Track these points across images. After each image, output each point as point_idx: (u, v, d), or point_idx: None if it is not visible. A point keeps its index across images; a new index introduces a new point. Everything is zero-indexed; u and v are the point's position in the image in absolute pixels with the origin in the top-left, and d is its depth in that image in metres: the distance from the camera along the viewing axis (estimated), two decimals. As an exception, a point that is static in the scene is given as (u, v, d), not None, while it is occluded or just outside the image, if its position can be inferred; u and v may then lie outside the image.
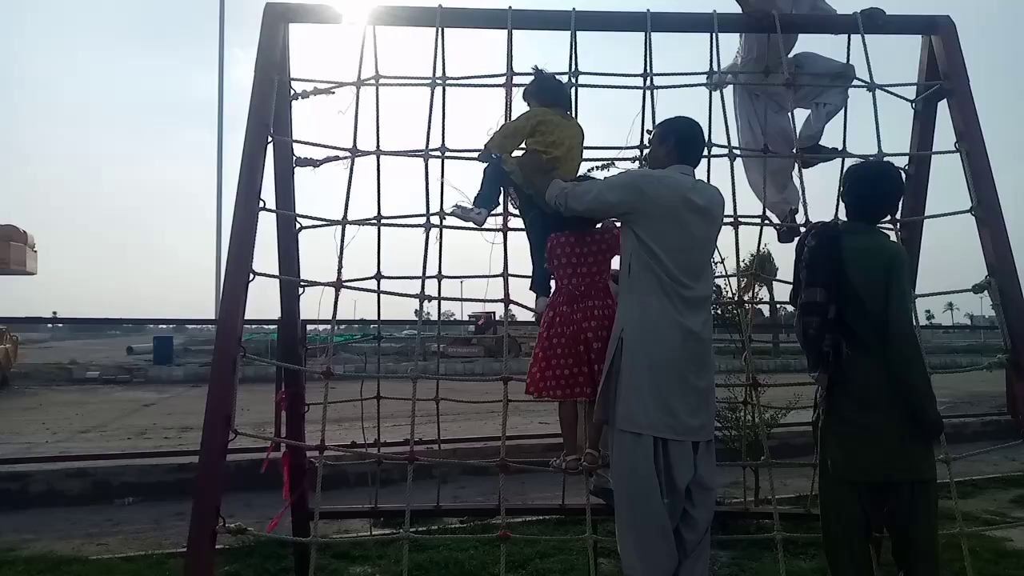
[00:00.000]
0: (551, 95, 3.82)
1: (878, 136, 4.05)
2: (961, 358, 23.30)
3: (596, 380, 3.26)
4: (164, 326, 31.68)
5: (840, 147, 4.23)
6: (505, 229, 3.92)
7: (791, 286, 3.43)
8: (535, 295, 3.78)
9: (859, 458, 3.15)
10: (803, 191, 4.22)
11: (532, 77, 3.95)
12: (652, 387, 2.99)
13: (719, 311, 6.71)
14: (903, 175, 3.50)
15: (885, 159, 3.94)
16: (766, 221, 4.25)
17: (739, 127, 4.53)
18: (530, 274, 3.84)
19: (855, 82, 4.27)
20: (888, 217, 3.58)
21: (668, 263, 3.03)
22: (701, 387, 3.09)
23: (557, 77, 3.95)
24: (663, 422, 2.97)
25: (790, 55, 4.38)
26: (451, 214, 3.81)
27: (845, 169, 3.71)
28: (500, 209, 3.90)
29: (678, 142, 3.27)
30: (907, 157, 4.35)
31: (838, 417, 3.20)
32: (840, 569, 3.21)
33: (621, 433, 3.03)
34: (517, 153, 3.73)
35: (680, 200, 3.07)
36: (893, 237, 3.82)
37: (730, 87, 4.48)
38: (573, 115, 3.94)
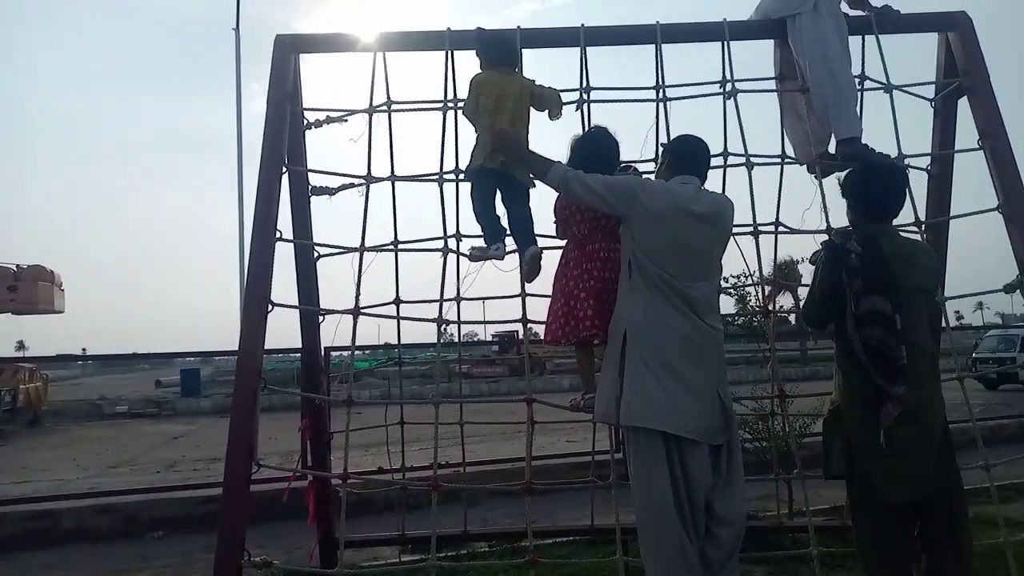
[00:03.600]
0: (492, 54, 3.83)
1: (897, 138, 4.00)
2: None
3: (605, 317, 3.24)
4: (191, 358, 31.96)
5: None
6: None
7: (819, 295, 3.21)
8: (487, 245, 3.73)
9: (909, 475, 2.99)
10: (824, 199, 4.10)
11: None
12: (658, 383, 2.96)
13: (738, 322, 6.68)
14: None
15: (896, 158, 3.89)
16: (782, 228, 4.17)
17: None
18: (522, 268, 3.78)
19: (871, 84, 4.20)
20: (897, 215, 3.42)
21: (666, 265, 3.03)
22: (710, 383, 3.04)
23: (500, 32, 3.89)
24: (672, 418, 2.93)
25: None
26: (471, 258, 3.81)
27: (853, 170, 3.54)
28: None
29: (673, 159, 3.31)
30: (929, 158, 4.27)
31: (888, 433, 2.97)
32: None
33: (633, 431, 3.00)
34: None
35: (673, 207, 3.07)
36: (918, 238, 3.75)
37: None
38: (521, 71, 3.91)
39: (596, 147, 3.57)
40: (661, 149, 3.44)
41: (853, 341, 3.05)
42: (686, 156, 3.31)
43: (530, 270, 3.66)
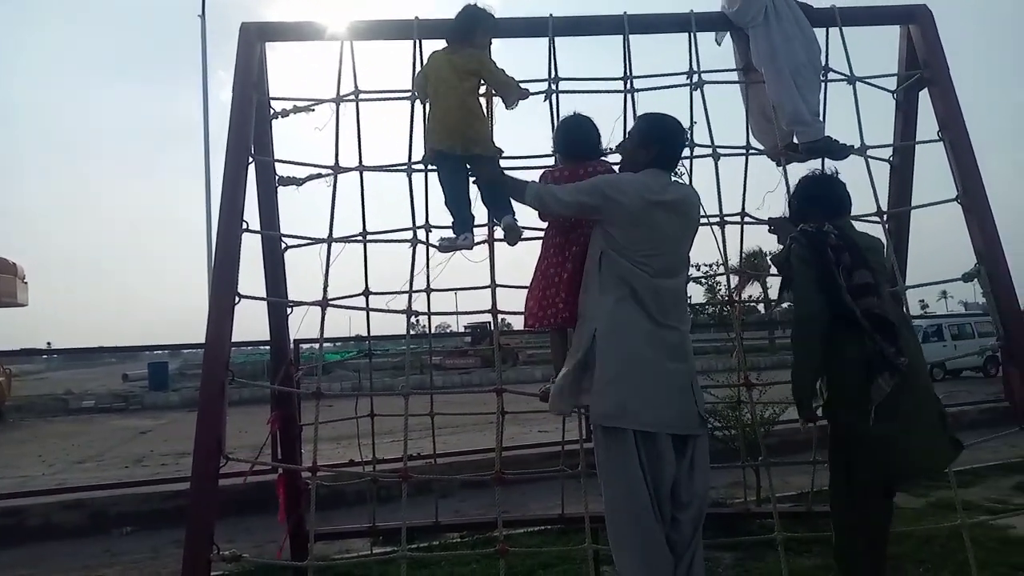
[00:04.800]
0: (452, 31, 3.77)
1: (860, 130, 4.05)
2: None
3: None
4: (159, 351, 31.49)
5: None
6: (491, 240, 3.89)
7: (815, 283, 3.18)
8: (455, 236, 3.72)
9: (910, 455, 3.04)
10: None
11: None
12: (628, 379, 2.97)
13: (708, 311, 6.76)
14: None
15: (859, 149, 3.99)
16: (747, 218, 4.22)
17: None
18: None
19: (834, 76, 4.25)
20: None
21: (638, 261, 3.05)
22: (678, 372, 3.05)
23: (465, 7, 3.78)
24: (642, 414, 2.93)
25: None
26: (440, 249, 3.80)
27: (807, 179, 3.69)
28: (485, 219, 3.88)
29: (662, 149, 3.25)
30: (891, 149, 4.35)
31: (883, 415, 2.99)
32: None
33: (604, 431, 3.00)
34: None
35: (645, 201, 3.07)
36: (880, 229, 3.84)
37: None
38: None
39: (584, 137, 3.57)
40: (641, 127, 3.38)
41: (854, 310, 3.07)
42: (673, 149, 3.31)
43: (511, 239, 3.67)
